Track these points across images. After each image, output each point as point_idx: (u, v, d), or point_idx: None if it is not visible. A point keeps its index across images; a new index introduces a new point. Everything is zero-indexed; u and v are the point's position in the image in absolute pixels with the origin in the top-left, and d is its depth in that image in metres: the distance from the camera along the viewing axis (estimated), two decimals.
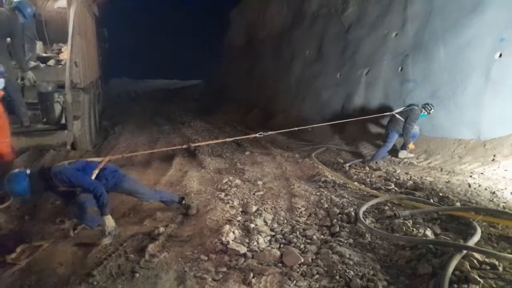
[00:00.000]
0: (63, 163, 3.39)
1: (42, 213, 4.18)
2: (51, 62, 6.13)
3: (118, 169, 3.68)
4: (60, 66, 5.92)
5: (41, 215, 4.11)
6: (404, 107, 6.52)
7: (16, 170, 3.24)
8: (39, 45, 6.40)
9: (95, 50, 8.69)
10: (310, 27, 11.12)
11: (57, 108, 5.49)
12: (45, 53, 6.56)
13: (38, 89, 5.36)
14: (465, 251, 2.71)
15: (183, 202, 4.04)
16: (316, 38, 10.65)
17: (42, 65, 5.84)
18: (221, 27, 21.10)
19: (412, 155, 6.53)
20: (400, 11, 7.78)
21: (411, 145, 6.40)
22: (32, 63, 5.60)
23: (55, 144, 5.32)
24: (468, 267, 2.54)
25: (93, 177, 3.35)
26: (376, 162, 6.32)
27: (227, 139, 5.16)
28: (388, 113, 6.67)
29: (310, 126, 6.71)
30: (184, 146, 4.51)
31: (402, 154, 6.54)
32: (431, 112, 6.34)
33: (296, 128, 5.77)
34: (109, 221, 3.32)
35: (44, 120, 5.44)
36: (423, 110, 6.32)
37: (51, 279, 2.76)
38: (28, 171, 3.21)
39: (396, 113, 6.46)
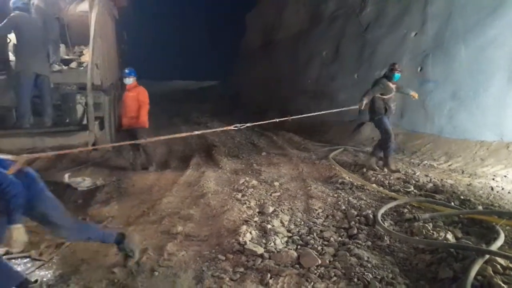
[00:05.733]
0: None
1: None
2: (73, 65, 6.30)
3: (36, 178, 2.49)
4: (82, 68, 6.09)
5: None
6: None
7: None
8: (62, 48, 6.59)
9: (115, 52, 8.88)
10: (327, 28, 11.05)
11: (79, 109, 5.66)
12: (67, 55, 6.76)
13: (61, 91, 5.54)
14: (487, 256, 2.65)
15: (123, 242, 2.92)
16: (334, 38, 10.58)
17: (65, 68, 6.02)
18: (238, 29, 21.32)
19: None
20: (420, 10, 7.65)
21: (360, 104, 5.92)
22: (57, 67, 5.78)
23: (77, 144, 5.46)
24: (491, 272, 2.48)
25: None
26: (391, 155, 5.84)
27: (271, 120, 5.60)
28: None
29: (335, 110, 6.44)
30: (231, 128, 4.60)
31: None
32: (397, 67, 5.69)
33: (320, 113, 6.14)
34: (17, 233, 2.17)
35: (67, 120, 5.63)
36: (387, 72, 5.81)
37: (73, 275, 2.84)
38: None
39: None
